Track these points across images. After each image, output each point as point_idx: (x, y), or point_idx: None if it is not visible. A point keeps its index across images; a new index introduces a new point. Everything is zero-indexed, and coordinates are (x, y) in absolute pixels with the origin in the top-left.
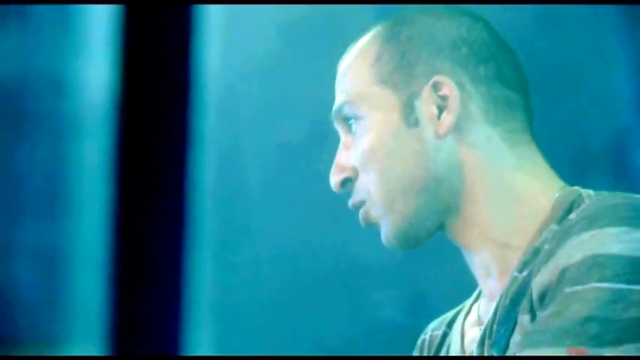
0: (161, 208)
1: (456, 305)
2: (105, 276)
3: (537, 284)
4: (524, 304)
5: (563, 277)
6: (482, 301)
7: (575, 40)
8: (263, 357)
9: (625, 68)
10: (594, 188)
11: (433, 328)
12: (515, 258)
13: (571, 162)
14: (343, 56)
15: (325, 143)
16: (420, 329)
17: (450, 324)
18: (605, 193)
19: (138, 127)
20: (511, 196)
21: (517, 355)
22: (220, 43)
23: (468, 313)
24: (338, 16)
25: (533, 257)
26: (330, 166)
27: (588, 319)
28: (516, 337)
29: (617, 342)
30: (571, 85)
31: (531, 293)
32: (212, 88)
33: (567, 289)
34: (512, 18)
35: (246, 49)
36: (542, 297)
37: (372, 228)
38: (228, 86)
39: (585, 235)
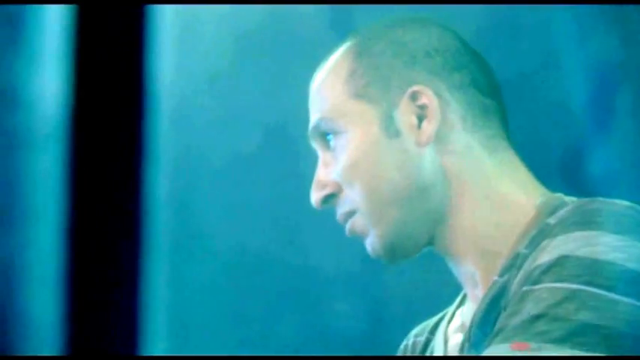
0: (115, 219)
1: (417, 314)
2: (60, 288)
3: (513, 289)
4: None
5: (529, 277)
6: (466, 306)
7: (529, 49)
8: (258, 357)
9: (579, 77)
10: None
11: (416, 334)
12: (498, 264)
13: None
14: (314, 75)
15: (279, 154)
16: (381, 337)
17: (433, 330)
18: (587, 199)
19: (91, 138)
20: (494, 202)
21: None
22: (174, 51)
23: (452, 318)
24: (292, 25)
25: (514, 262)
26: (285, 177)
27: (538, 317)
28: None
29: (560, 341)
30: (525, 94)
31: (508, 298)
32: (166, 96)
33: (525, 288)
34: (467, 27)
35: (200, 58)
36: (512, 295)
37: (357, 238)
38: (182, 95)
39: (558, 240)
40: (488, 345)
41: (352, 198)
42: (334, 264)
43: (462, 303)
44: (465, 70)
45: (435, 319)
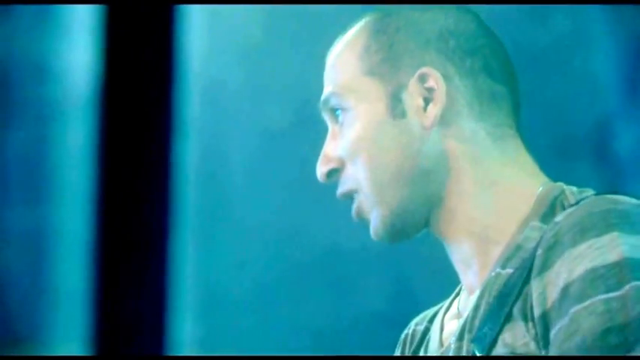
0: (144, 196)
1: (440, 293)
2: (88, 265)
3: (537, 295)
4: (519, 308)
5: (567, 293)
6: (462, 295)
7: (558, 28)
8: (261, 357)
9: (607, 55)
10: (577, 175)
11: (416, 323)
12: (496, 252)
13: (554, 149)
14: (331, 48)
15: (309, 130)
16: (404, 317)
17: (432, 319)
18: (590, 192)
19: (121, 115)
20: (493, 189)
21: None
22: (205, 30)
23: (449, 307)
24: (322, 4)
25: (515, 253)
26: (314, 154)
27: (606, 332)
28: (506, 338)
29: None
30: (554, 72)
31: (529, 301)
32: (196, 74)
33: (576, 306)
34: (495, 6)
35: (230, 36)
36: (545, 313)
37: (363, 221)
38: (212, 73)
39: (581, 247)
40: None
41: (354, 176)
42: (362, 241)
43: (459, 292)
44: (478, 55)
45: (435, 308)
